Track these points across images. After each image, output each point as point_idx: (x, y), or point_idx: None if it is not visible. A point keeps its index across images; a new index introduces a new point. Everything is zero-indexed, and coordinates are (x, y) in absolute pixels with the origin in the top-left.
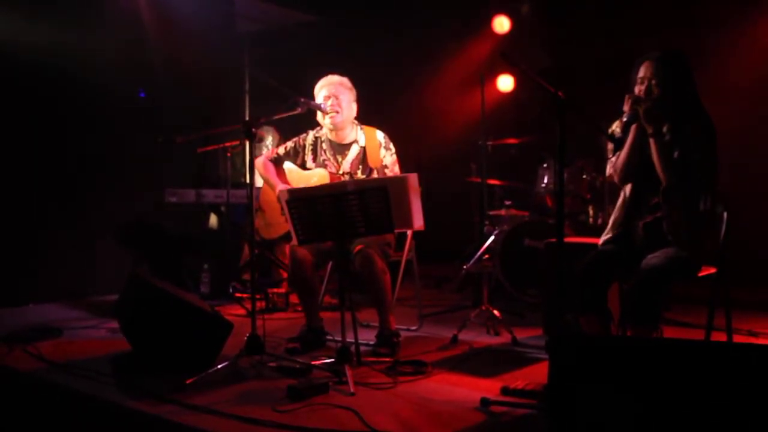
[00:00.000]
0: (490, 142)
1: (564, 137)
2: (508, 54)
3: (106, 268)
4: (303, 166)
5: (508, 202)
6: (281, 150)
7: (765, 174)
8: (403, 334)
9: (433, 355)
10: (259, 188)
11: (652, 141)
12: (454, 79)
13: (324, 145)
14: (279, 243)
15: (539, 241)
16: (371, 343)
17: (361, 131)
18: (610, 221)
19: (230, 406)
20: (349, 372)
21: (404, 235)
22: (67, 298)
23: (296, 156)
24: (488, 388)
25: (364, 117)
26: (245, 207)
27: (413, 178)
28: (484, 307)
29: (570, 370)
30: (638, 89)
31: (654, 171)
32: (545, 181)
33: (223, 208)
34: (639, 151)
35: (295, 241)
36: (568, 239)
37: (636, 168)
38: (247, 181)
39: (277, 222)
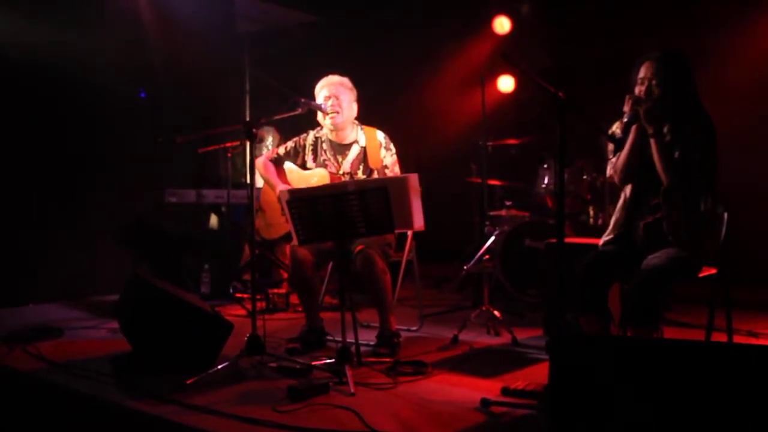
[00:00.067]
0: (490, 143)
1: (564, 137)
2: (509, 54)
3: (106, 268)
4: (303, 166)
5: (508, 203)
6: (281, 150)
7: (765, 174)
8: (403, 334)
9: (434, 355)
10: (259, 188)
11: (652, 141)
12: (455, 80)
13: (324, 146)
14: (279, 243)
15: (539, 241)
16: (371, 343)
17: (362, 131)
18: (611, 222)
19: (230, 407)
20: (349, 372)
21: (405, 235)
22: (68, 298)
23: (296, 156)
24: (488, 388)
25: (365, 117)
26: (246, 207)
27: (414, 179)
28: (484, 308)
29: (570, 370)
30: (638, 90)
31: (654, 171)
32: (545, 181)
33: (223, 209)
34: (639, 151)
35: (295, 242)
36: (568, 240)
37: (636, 168)
38: (248, 181)
39: (277, 222)
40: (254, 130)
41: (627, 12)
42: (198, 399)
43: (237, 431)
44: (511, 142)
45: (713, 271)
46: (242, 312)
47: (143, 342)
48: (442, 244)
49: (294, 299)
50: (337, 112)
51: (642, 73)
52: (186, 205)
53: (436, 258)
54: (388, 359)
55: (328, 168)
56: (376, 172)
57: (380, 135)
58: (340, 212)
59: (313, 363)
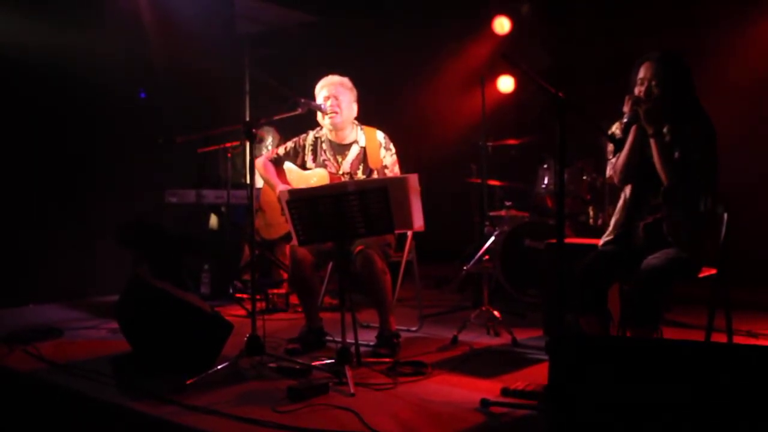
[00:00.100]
0: (490, 143)
1: (564, 138)
2: (509, 54)
3: (106, 268)
4: (303, 166)
5: (508, 203)
6: (281, 150)
7: (765, 174)
8: (403, 334)
9: (433, 355)
10: (259, 189)
11: (652, 142)
12: (455, 80)
13: (324, 146)
14: (279, 243)
15: (539, 241)
16: (371, 343)
17: (362, 131)
18: (611, 222)
19: (230, 407)
20: (349, 373)
21: (404, 235)
22: (68, 299)
23: (296, 156)
24: (488, 389)
25: (365, 117)
26: (245, 207)
27: (413, 179)
28: (484, 308)
29: (570, 370)
30: (638, 90)
31: (654, 172)
32: (545, 181)
33: (223, 209)
34: (639, 152)
35: (295, 242)
36: (568, 240)
37: (636, 169)
38: (248, 181)
39: (277, 222)
40: (254, 130)
41: (627, 12)
42: (198, 399)
43: (237, 431)
44: (511, 142)
45: (713, 271)
46: (242, 312)
47: (143, 342)
48: (442, 245)
49: (294, 299)
50: (336, 113)
51: (641, 74)
52: (186, 205)
53: (436, 258)
54: (387, 360)
55: (328, 168)
56: (375, 173)
57: (380, 135)
58: (340, 212)
59: (313, 363)
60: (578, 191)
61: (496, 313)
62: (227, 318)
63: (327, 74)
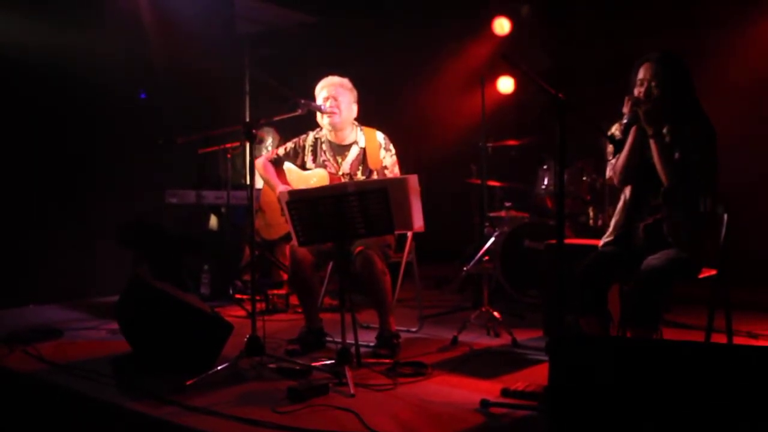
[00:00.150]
0: (490, 144)
1: (564, 139)
2: (509, 55)
3: (106, 268)
4: (303, 166)
5: (508, 204)
6: (281, 151)
7: (765, 174)
8: (403, 335)
9: (433, 356)
10: (259, 189)
11: (652, 142)
12: (455, 81)
13: (324, 146)
14: (279, 244)
15: (539, 242)
16: (371, 344)
17: (361, 132)
18: (611, 223)
19: (230, 408)
20: (349, 373)
21: (404, 236)
22: (68, 299)
23: (296, 157)
24: (488, 389)
25: (365, 118)
26: (245, 208)
27: (413, 180)
28: (484, 309)
29: (570, 371)
30: (638, 91)
31: (654, 172)
32: (545, 182)
33: (223, 210)
34: (639, 152)
35: (295, 242)
36: (568, 241)
37: (636, 170)
38: (248, 182)
39: (277, 223)
40: (254, 131)
41: (627, 13)
42: (198, 400)
43: None
44: (511, 143)
45: (713, 272)
46: (242, 313)
47: (143, 343)
48: (442, 245)
49: (294, 300)
50: (335, 113)
51: (641, 75)
52: (186, 205)
53: (436, 259)
54: (387, 360)
55: (328, 168)
56: (375, 173)
57: (380, 136)
58: (340, 213)
59: (313, 364)
60: (578, 192)
61: (496, 313)
62: (227, 318)
63: (327, 75)
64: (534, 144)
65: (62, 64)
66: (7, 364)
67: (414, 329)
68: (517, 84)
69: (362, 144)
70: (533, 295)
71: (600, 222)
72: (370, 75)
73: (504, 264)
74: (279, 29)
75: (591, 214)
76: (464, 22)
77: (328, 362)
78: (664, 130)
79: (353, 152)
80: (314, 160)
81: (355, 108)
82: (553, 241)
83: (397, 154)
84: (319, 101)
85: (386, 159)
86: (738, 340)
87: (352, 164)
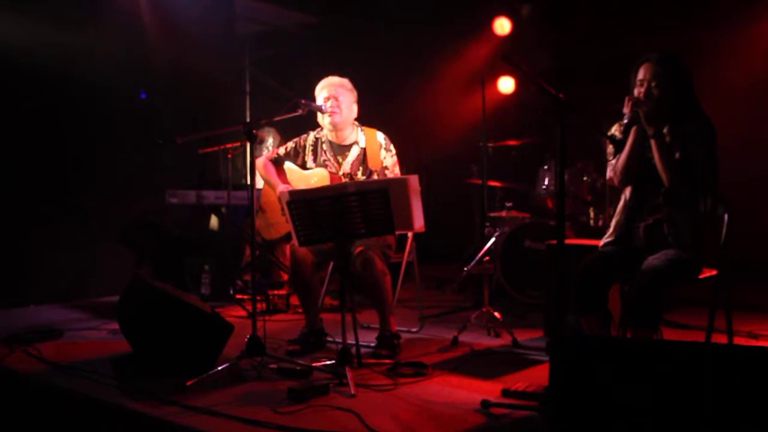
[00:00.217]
0: (490, 144)
1: (564, 139)
2: (509, 56)
3: (106, 268)
4: (303, 166)
5: (508, 204)
6: (282, 150)
7: (765, 174)
8: (403, 335)
9: (434, 356)
10: (259, 190)
11: (653, 143)
12: (455, 81)
13: (324, 146)
14: (279, 244)
15: (540, 242)
16: (372, 344)
17: (362, 132)
18: (612, 224)
19: (231, 408)
20: (349, 374)
21: (405, 236)
22: (68, 299)
23: (296, 156)
24: (489, 389)
25: (365, 118)
26: (246, 208)
27: (414, 180)
28: (484, 309)
29: (571, 371)
30: (637, 91)
31: (654, 172)
32: (546, 182)
33: (223, 210)
34: (639, 153)
35: (295, 242)
36: (568, 241)
37: (636, 170)
38: (248, 182)
39: (277, 222)
40: (254, 131)
41: (627, 13)
42: (198, 400)
43: None
44: (512, 143)
45: (713, 272)
46: (242, 313)
47: (144, 343)
48: (443, 246)
49: (294, 300)
50: (336, 113)
51: (641, 75)
52: (186, 206)
53: (437, 259)
54: (388, 360)
55: (328, 168)
56: (375, 174)
57: (380, 136)
58: (341, 213)
59: (314, 364)
60: (579, 192)
61: (496, 314)
62: (228, 319)
63: (327, 75)
64: (534, 144)
65: (62, 64)
66: (7, 364)
67: (414, 329)
68: (518, 84)
69: (363, 144)
70: (534, 296)
71: (600, 222)
72: (370, 75)
73: (505, 264)
74: (279, 29)
75: (591, 214)
76: (464, 22)
77: (329, 362)
78: (665, 130)
79: (354, 152)
80: (315, 160)
81: (355, 108)
82: (554, 242)
83: (398, 154)
84: (319, 101)
85: (387, 159)
86: (738, 341)
87: (352, 164)
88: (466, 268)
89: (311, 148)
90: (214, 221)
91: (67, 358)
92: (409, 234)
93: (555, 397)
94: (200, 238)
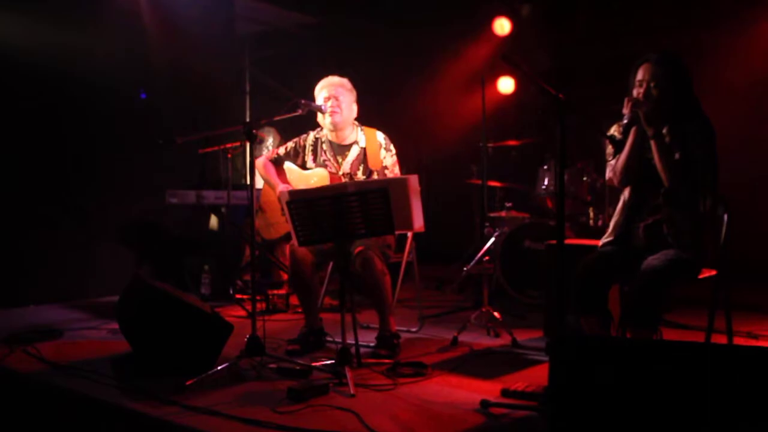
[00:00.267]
0: (490, 144)
1: (564, 139)
2: (509, 56)
3: (106, 269)
4: (303, 166)
5: (508, 204)
6: (281, 150)
7: (765, 174)
8: (403, 335)
9: (433, 356)
10: (259, 190)
11: (653, 143)
12: (455, 81)
13: (324, 146)
14: (279, 243)
15: (540, 242)
16: (371, 344)
17: (362, 132)
18: (611, 224)
19: (230, 408)
20: (349, 373)
21: (405, 236)
22: (68, 299)
23: (296, 156)
24: (488, 389)
25: (365, 118)
26: (246, 208)
27: (414, 180)
28: (484, 309)
29: (570, 371)
30: (637, 92)
31: (654, 173)
32: (545, 182)
33: (223, 210)
34: (639, 153)
35: (295, 242)
36: (568, 241)
37: (636, 170)
38: (248, 182)
39: (277, 222)
40: (254, 131)
41: (626, 13)
42: (198, 400)
43: None
44: (512, 143)
45: (713, 272)
46: (242, 313)
47: (143, 343)
48: (443, 246)
49: (294, 300)
50: (336, 113)
51: (640, 75)
52: (186, 206)
53: (437, 259)
54: (387, 360)
55: (328, 168)
56: (375, 173)
57: (380, 136)
58: (340, 213)
59: (313, 364)
60: (578, 192)
61: (496, 314)
62: (227, 319)
63: (327, 75)
64: (534, 144)
65: (62, 64)
66: (7, 364)
67: (414, 329)
68: (518, 84)
69: (363, 144)
70: (533, 296)
71: (600, 222)
72: (370, 75)
73: (504, 264)
74: (279, 29)
75: (591, 214)
76: (464, 23)
77: (329, 362)
78: (664, 131)
79: (354, 152)
80: (315, 160)
81: (355, 108)
82: (554, 242)
83: (398, 154)
84: (319, 101)
85: (386, 159)
86: (738, 341)
87: (352, 164)
88: (465, 268)
89: (311, 148)
90: (214, 221)
91: (67, 357)
92: (409, 234)
93: (554, 397)
94: (200, 238)
